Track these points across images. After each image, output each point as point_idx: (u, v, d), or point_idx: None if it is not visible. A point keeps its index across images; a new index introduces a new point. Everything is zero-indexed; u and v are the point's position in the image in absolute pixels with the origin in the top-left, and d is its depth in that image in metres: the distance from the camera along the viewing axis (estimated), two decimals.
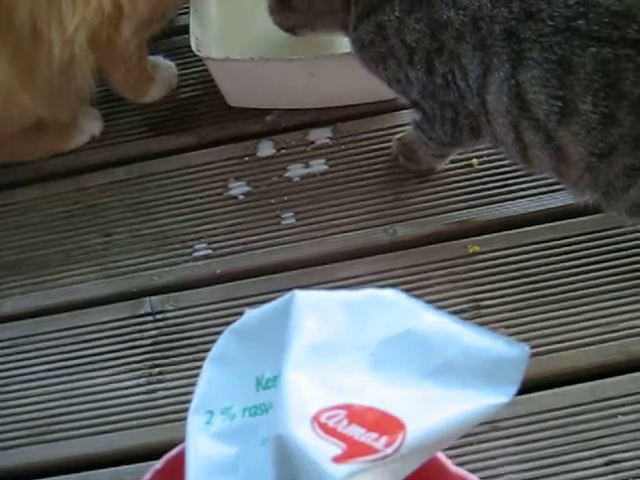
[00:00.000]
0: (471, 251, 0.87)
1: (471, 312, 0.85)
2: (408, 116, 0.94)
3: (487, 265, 0.87)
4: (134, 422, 0.80)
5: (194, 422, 0.55)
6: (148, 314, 0.85)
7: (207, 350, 0.79)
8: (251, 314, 0.57)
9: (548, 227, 0.88)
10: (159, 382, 0.81)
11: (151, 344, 0.84)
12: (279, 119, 0.96)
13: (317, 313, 0.55)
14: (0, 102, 0.83)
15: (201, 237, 0.89)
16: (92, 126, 0.97)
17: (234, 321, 0.80)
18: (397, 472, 0.51)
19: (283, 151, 0.94)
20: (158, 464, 0.57)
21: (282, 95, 0.94)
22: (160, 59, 0.98)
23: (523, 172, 0.91)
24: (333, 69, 0.88)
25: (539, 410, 0.79)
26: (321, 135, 0.94)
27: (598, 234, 0.87)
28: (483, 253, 0.87)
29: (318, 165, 0.92)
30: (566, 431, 0.78)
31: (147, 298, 0.86)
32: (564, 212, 0.89)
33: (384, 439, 0.50)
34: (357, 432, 0.51)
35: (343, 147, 0.94)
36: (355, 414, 0.52)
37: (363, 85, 0.90)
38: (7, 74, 0.81)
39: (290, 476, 0.50)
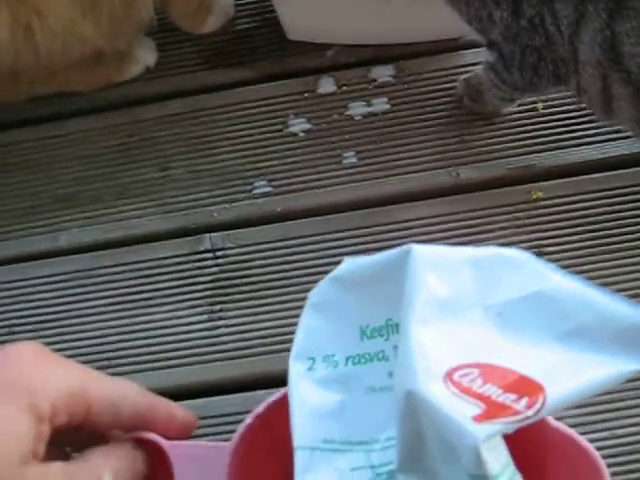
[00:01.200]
0: (534, 197, 0.92)
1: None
2: (473, 56, 0.99)
3: (550, 212, 0.92)
4: (194, 358, 0.87)
5: (296, 368, 0.58)
6: (208, 251, 0.90)
7: (268, 288, 0.86)
8: (355, 262, 0.59)
9: (613, 175, 0.93)
10: (220, 319, 0.87)
11: (211, 281, 0.89)
12: (339, 54, 1.00)
13: (439, 268, 0.56)
14: (61, 32, 0.87)
15: (261, 174, 0.94)
16: (147, 56, 1.01)
17: (294, 260, 0.87)
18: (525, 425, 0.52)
19: (344, 88, 0.98)
20: (260, 408, 0.60)
21: (345, 29, 0.97)
22: None
23: (588, 118, 0.96)
24: (406, 3, 0.90)
25: None
26: (383, 73, 0.98)
27: None
28: (546, 199, 0.92)
29: (380, 104, 0.96)
30: None
31: (207, 235, 0.91)
32: (630, 160, 0.93)
33: (525, 400, 0.51)
34: (494, 392, 0.52)
35: (406, 86, 0.98)
36: (489, 373, 0.53)
37: (431, 22, 0.94)
38: (70, 4, 0.85)
39: (416, 432, 0.52)
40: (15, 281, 0.92)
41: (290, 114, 0.97)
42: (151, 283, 0.89)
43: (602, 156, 0.94)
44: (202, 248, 0.91)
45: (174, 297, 0.89)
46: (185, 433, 0.59)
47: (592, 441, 0.58)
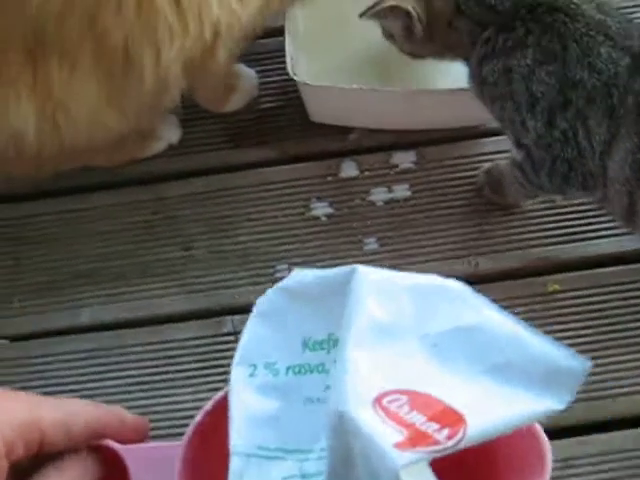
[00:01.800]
0: (551, 289, 0.98)
1: None
2: (495, 144, 1.05)
3: (566, 304, 0.98)
4: None
5: (237, 373, 0.61)
6: (230, 334, 0.95)
7: None
8: (303, 275, 0.62)
9: (629, 269, 0.99)
10: None
11: None
12: (362, 138, 1.06)
13: (380, 292, 0.60)
14: (86, 123, 0.91)
15: (283, 257, 0.99)
16: (170, 134, 1.05)
17: None
18: (445, 453, 0.56)
19: (366, 173, 1.04)
20: (209, 405, 0.64)
21: (368, 116, 1.04)
22: (242, 68, 1.08)
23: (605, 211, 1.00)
24: (430, 100, 0.96)
25: (612, 450, 0.90)
26: (405, 159, 1.03)
27: None
28: (563, 292, 0.98)
29: (402, 190, 1.02)
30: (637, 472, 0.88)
31: (229, 317, 0.96)
32: None
33: (446, 431, 0.54)
34: (419, 420, 0.55)
35: (427, 173, 1.04)
36: (417, 401, 0.56)
37: (453, 111, 0.99)
38: (96, 95, 0.89)
39: (344, 451, 0.56)
40: (36, 357, 0.96)
41: (312, 197, 1.02)
42: (172, 364, 0.94)
43: (618, 250, 1.00)
44: (224, 330, 0.95)
45: (195, 379, 0.93)
46: (139, 436, 0.63)
47: None
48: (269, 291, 0.63)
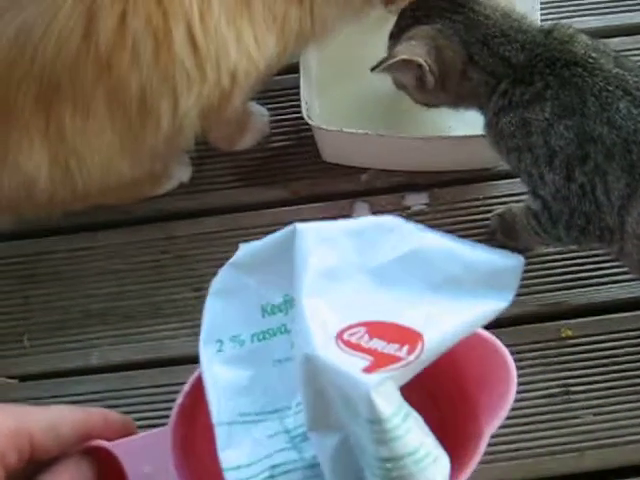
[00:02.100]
0: (564, 334, 0.99)
1: (560, 397, 0.97)
2: (507, 186, 1.07)
3: (578, 350, 0.99)
4: None
5: (205, 352, 0.66)
6: None
7: None
8: (249, 247, 0.67)
9: (637, 315, 1.00)
10: None
11: None
12: (374, 179, 1.08)
13: (322, 242, 0.65)
14: (99, 169, 0.92)
15: None
16: (181, 172, 1.07)
17: None
18: (414, 372, 0.61)
19: (379, 214, 1.02)
20: (187, 386, 0.67)
21: (381, 158, 1.05)
22: (254, 106, 1.09)
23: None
24: (442, 146, 0.98)
25: None
26: (417, 201, 1.05)
27: None
28: (575, 337, 1.00)
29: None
30: None
31: None
32: None
33: (406, 348, 0.60)
34: (380, 345, 0.61)
35: (439, 215, 1.06)
36: (374, 329, 0.62)
37: (467, 156, 1.00)
38: (110, 143, 0.90)
39: (318, 392, 0.61)
40: (46, 397, 0.98)
41: None
42: None
43: (630, 295, 1.01)
44: None
45: None
46: (126, 432, 0.65)
47: None
48: (220, 270, 0.67)
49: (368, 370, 0.59)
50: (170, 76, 0.87)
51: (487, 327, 0.94)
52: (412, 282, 0.65)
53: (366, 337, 0.62)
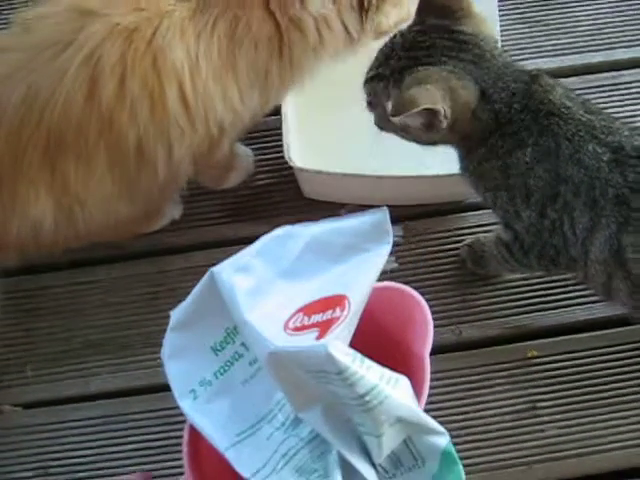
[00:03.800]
0: (529, 355, 1.09)
1: (527, 412, 1.07)
2: (476, 218, 1.17)
3: (544, 369, 1.10)
4: None
5: (185, 405, 0.83)
6: None
7: None
8: (179, 309, 0.84)
9: (601, 334, 1.11)
10: None
11: None
12: (352, 212, 1.13)
13: (237, 271, 0.84)
14: (100, 212, 1.02)
15: None
16: (173, 210, 1.18)
17: None
18: (353, 324, 0.81)
19: None
20: (185, 435, 0.85)
21: (358, 195, 1.15)
22: (240, 147, 1.20)
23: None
24: (418, 184, 1.09)
25: None
26: (392, 232, 1.11)
27: None
28: (540, 357, 1.10)
29: (389, 263, 1.11)
30: None
31: None
32: (616, 320, 1.11)
33: (338, 309, 0.80)
34: (318, 317, 0.80)
35: (413, 246, 1.16)
36: (309, 309, 0.81)
37: (439, 192, 1.11)
38: (110, 189, 1.01)
39: (290, 378, 0.77)
40: (50, 424, 1.08)
41: None
42: (177, 430, 1.03)
43: (590, 317, 1.12)
44: None
45: None
46: None
47: None
48: (164, 339, 0.85)
49: (319, 337, 0.78)
50: (165, 130, 0.98)
51: (457, 349, 1.05)
52: (318, 264, 0.86)
53: (305, 318, 0.81)
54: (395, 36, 0.99)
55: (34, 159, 0.97)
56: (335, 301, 0.79)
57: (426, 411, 0.93)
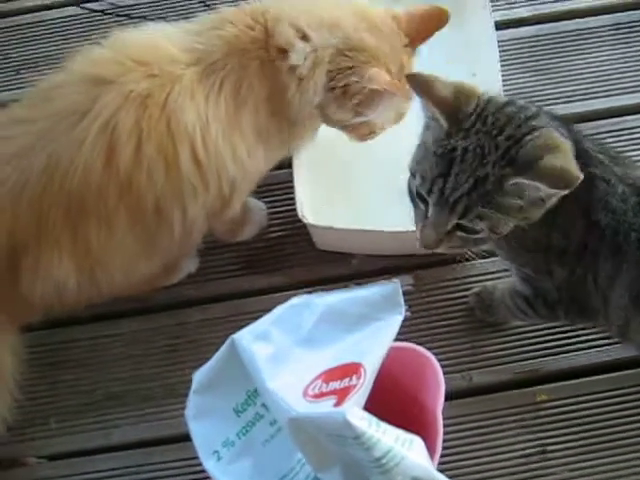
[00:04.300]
0: (539, 399, 1.13)
1: (537, 456, 1.12)
2: (484, 266, 1.20)
3: (553, 412, 1.14)
4: None
5: (209, 466, 0.90)
6: None
7: None
8: (201, 372, 0.91)
9: (608, 377, 1.15)
10: None
11: None
12: (363, 263, 1.24)
13: (256, 339, 0.89)
14: (121, 273, 1.08)
15: None
16: (189, 264, 1.23)
17: None
18: (368, 390, 0.86)
19: None
20: None
21: (368, 246, 1.21)
22: (252, 201, 1.25)
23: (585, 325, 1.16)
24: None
25: None
26: (404, 282, 1.19)
27: None
28: (549, 401, 1.14)
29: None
30: None
31: None
32: (623, 364, 1.15)
33: (354, 376, 0.85)
34: (336, 384, 0.86)
35: (424, 294, 1.21)
36: (327, 377, 0.87)
37: None
38: (132, 249, 1.07)
39: (310, 442, 0.83)
40: (73, 475, 1.12)
41: None
42: (200, 479, 1.08)
43: (598, 360, 1.16)
44: None
45: None
46: None
47: None
48: (188, 399, 0.91)
49: (337, 404, 0.84)
50: (179, 190, 1.04)
51: (468, 395, 1.09)
52: (334, 333, 0.91)
53: (324, 385, 0.87)
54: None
55: (57, 225, 1.02)
56: (352, 369, 0.85)
57: (439, 457, 0.99)
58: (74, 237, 1.03)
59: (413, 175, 0.96)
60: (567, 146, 0.93)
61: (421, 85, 0.96)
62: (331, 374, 0.86)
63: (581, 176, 0.89)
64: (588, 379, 1.15)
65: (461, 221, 0.92)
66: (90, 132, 1.01)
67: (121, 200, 1.02)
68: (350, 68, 1.07)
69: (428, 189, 0.93)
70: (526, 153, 0.92)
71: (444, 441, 0.97)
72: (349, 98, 1.08)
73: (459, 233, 0.94)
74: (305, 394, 0.85)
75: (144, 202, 1.03)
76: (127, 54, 1.05)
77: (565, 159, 0.91)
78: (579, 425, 1.12)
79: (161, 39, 1.07)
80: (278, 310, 0.91)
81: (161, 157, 1.02)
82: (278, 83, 1.06)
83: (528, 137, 0.94)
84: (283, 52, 1.06)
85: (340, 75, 1.07)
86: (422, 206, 0.95)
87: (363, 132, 1.16)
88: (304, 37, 1.06)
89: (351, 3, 1.12)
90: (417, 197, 0.95)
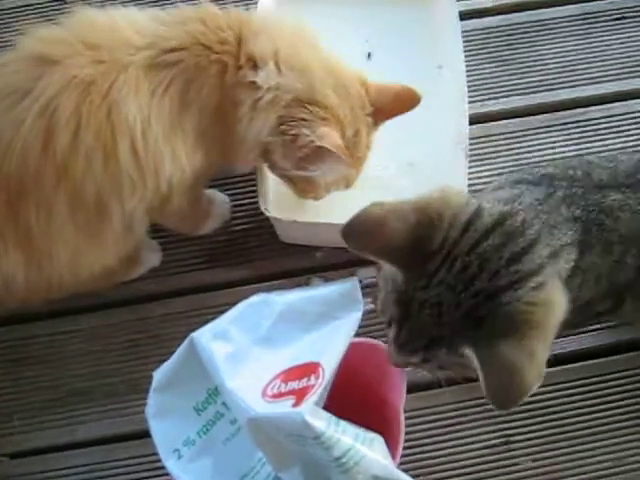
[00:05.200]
0: None
1: (502, 447, 1.15)
2: None
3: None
4: None
5: (170, 464, 0.92)
6: None
7: None
8: (161, 371, 0.93)
9: (570, 368, 1.19)
10: None
11: None
12: (328, 256, 1.26)
13: (215, 338, 0.92)
14: (68, 262, 1.09)
15: None
16: (152, 258, 1.25)
17: None
18: (326, 390, 0.89)
19: None
20: None
21: (332, 239, 1.18)
22: (216, 194, 1.28)
23: None
24: None
25: None
26: (367, 274, 1.22)
27: (612, 375, 1.17)
28: None
29: (365, 304, 1.16)
30: None
31: None
32: (584, 354, 1.19)
33: (313, 376, 0.88)
34: (294, 384, 0.88)
35: None
36: (285, 376, 0.90)
37: None
38: (75, 240, 1.08)
39: (269, 441, 0.86)
40: (37, 472, 1.14)
41: None
42: (161, 475, 1.08)
43: (560, 351, 1.19)
44: None
45: None
46: None
47: None
48: (149, 399, 0.93)
49: (295, 405, 0.86)
50: (118, 182, 1.06)
51: (431, 387, 1.12)
52: (292, 332, 0.94)
53: (282, 385, 0.89)
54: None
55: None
56: (310, 369, 0.88)
57: (403, 449, 1.02)
58: (16, 222, 1.05)
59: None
60: (550, 318, 0.84)
61: (364, 237, 0.87)
62: (289, 374, 0.89)
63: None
64: (550, 370, 1.16)
65: (422, 364, 0.89)
66: (30, 113, 1.02)
67: (59, 184, 1.04)
68: (305, 120, 1.08)
69: (387, 322, 0.91)
70: (493, 321, 0.83)
71: (407, 434, 1.00)
72: (296, 149, 1.09)
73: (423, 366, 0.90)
74: (264, 394, 0.87)
75: (83, 190, 1.05)
76: (80, 35, 1.06)
77: (529, 357, 0.82)
78: (542, 415, 1.16)
79: (122, 22, 1.08)
80: (237, 308, 0.94)
81: (99, 145, 1.04)
82: (234, 94, 1.07)
83: (504, 297, 0.84)
84: (253, 63, 1.07)
85: (293, 123, 1.08)
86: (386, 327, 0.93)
87: (305, 188, 1.18)
88: (277, 65, 1.08)
89: (326, 56, 1.13)
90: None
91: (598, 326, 1.20)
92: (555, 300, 0.85)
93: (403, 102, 1.14)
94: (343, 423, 0.84)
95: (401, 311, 0.87)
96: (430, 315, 0.84)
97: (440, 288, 0.84)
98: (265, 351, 0.91)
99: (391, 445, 0.91)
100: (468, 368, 0.86)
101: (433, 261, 0.84)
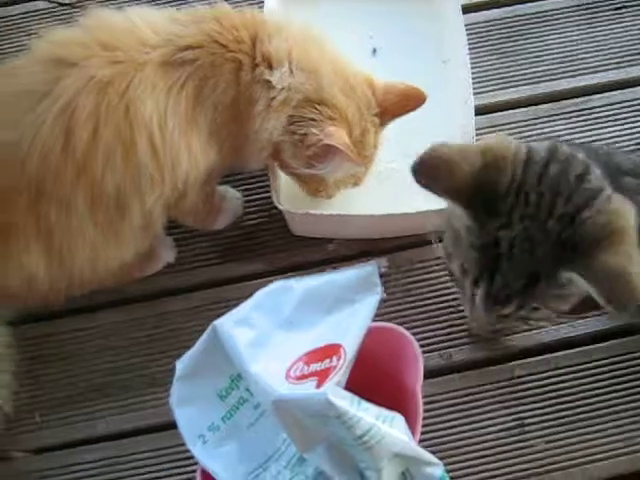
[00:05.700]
0: (516, 374, 1.19)
1: (516, 429, 1.18)
2: None
3: (528, 387, 1.21)
4: None
5: (196, 450, 0.95)
6: None
7: None
8: (184, 359, 0.97)
9: (580, 351, 1.22)
10: None
11: None
12: (340, 248, 1.30)
13: (237, 324, 0.95)
14: (88, 259, 1.13)
15: None
16: (167, 254, 1.29)
17: None
18: (348, 370, 0.92)
19: None
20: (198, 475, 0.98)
21: (344, 232, 1.28)
22: (228, 190, 1.31)
23: None
24: (399, 221, 1.21)
25: None
26: (380, 264, 1.26)
27: (622, 357, 1.21)
28: (525, 376, 1.21)
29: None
30: None
31: None
32: (594, 338, 1.22)
33: (335, 357, 0.91)
34: (317, 366, 0.92)
35: (400, 275, 1.27)
36: (308, 359, 0.92)
37: (419, 225, 1.23)
38: (94, 235, 1.12)
39: (294, 423, 0.89)
40: (60, 467, 1.17)
41: None
42: (184, 466, 1.14)
43: (570, 335, 1.23)
44: None
45: None
46: None
47: None
48: (172, 388, 0.97)
49: (318, 386, 0.90)
50: (137, 179, 1.10)
51: (447, 373, 1.15)
52: (313, 315, 0.97)
53: (305, 367, 0.93)
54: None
55: (21, 209, 1.08)
56: (332, 350, 0.92)
57: (420, 433, 1.05)
58: (37, 219, 1.08)
59: (449, 257, 0.96)
60: (630, 224, 0.88)
61: (434, 175, 0.90)
62: (312, 356, 0.92)
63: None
64: (562, 353, 1.21)
65: (515, 313, 0.92)
66: (50, 114, 1.06)
67: (79, 182, 1.08)
68: (313, 120, 1.13)
69: (473, 281, 0.92)
70: (583, 238, 0.89)
71: (424, 419, 1.03)
72: (305, 148, 1.14)
73: (515, 315, 0.92)
74: (287, 377, 0.91)
75: (103, 188, 1.08)
76: (97, 37, 1.10)
77: (628, 259, 0.86)
78: (555, 398, 1.19)
79: (138, 22, 1.12)
80: (258, 295, 0.98)
81: (118, 142, 1.07)
82: (250, 92, 1.12)
83: (585, 213, 0.90)
84: (268, 62, 1.12)
85: (302, 123, 1.13)
86: (468, 289, 0.94)
87: (314, 187, 1.24)
88: (290, 66, 1.12)
89: (334, 57, 1.17)
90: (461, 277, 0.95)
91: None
92: (626, 207, 0.91)
93: (409, 102, 1.19)
94: (365, 403, 0.87)
95: (489, 256, 0.89)
96: (523, 250, 0.88)
97: (524, 222, 0.88)
98: (287, 334, 0.94)
99: (410, 427, 0.92)
100: (565, 299, 0.90)
101: (506, 199, 0.89)
